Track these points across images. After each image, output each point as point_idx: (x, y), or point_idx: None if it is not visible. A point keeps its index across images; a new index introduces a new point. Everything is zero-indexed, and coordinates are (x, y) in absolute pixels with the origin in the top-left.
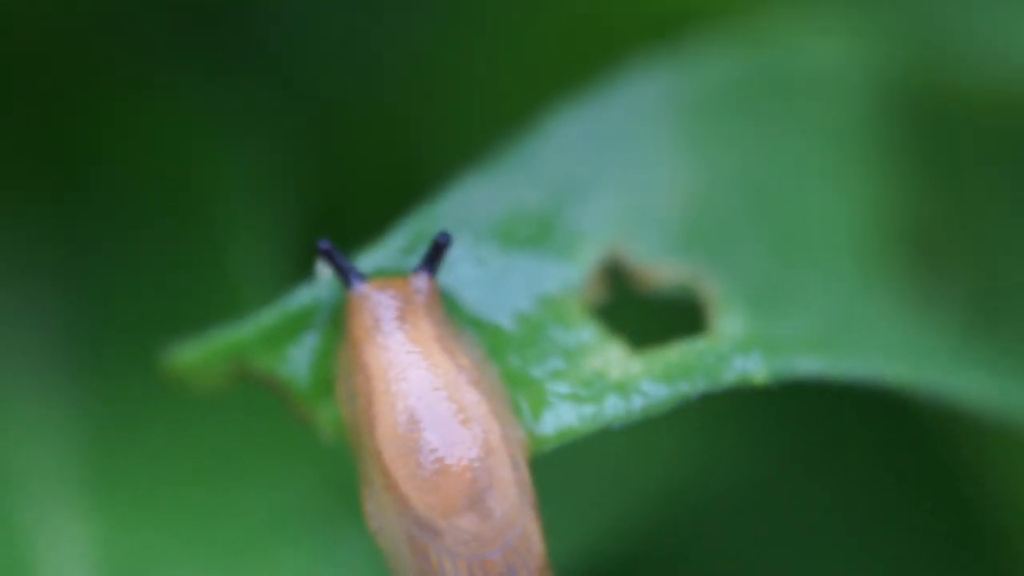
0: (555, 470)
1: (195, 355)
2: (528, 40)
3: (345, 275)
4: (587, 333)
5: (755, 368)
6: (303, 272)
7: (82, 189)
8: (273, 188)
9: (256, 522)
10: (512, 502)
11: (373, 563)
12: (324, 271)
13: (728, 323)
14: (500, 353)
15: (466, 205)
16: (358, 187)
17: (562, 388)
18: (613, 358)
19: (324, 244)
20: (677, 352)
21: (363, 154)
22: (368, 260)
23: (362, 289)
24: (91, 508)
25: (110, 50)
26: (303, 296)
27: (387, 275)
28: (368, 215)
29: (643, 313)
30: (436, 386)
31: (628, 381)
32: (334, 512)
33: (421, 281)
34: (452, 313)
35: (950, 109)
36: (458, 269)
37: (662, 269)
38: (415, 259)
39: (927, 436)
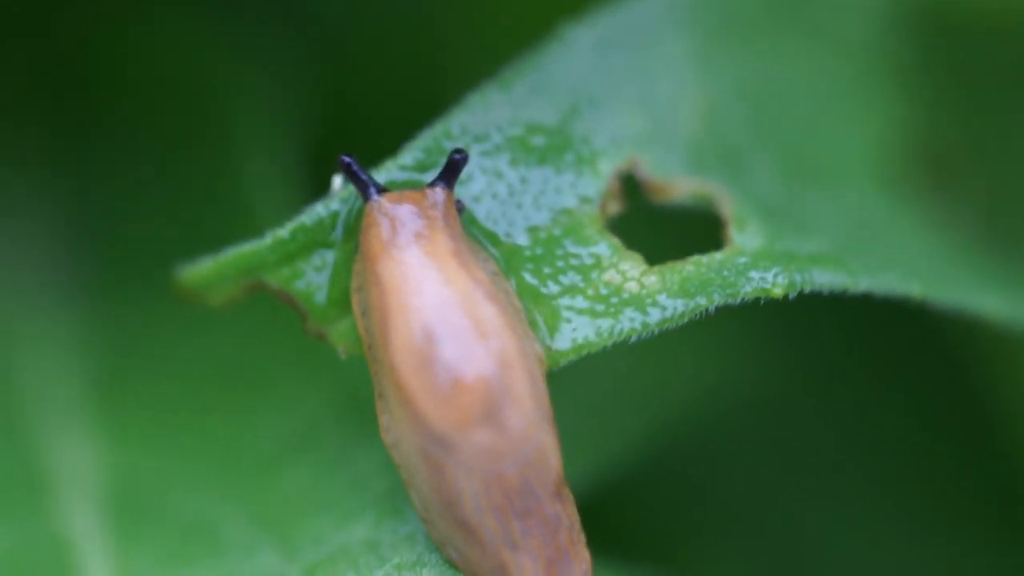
0: (571, 386)
1: (210, 270)
2: None
3: (364, 187)
4: (604, 247)
5: (773, 280)
6: (318, 191)
7: (94, 111)
8: (287, 109)
9: (269, 437)
10: (528, 416)
11: (388, 477)
12: (339, 185)
13: (745, 238)
14: (516, 268)
15: (481, 120)
16: (373, 107)
17: (579, 302)
18: (630, 272)
19: (345, 157)
20: (694, 265)
21: (378, 74)
22: (383, 175)
23: (379, 201)
24: (103, 426)
25: None
26: (319, 210)
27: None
28: (383, 134)
29: (659, 228)
30: (452, 301)
31: (645, 295)
32: (349, 426)
33: (438, 194)
34: (468, 227)
35: (962, 26)
36: (473, 184)
37: (678, 184)
38: (430, 175)
39: (942, 349)
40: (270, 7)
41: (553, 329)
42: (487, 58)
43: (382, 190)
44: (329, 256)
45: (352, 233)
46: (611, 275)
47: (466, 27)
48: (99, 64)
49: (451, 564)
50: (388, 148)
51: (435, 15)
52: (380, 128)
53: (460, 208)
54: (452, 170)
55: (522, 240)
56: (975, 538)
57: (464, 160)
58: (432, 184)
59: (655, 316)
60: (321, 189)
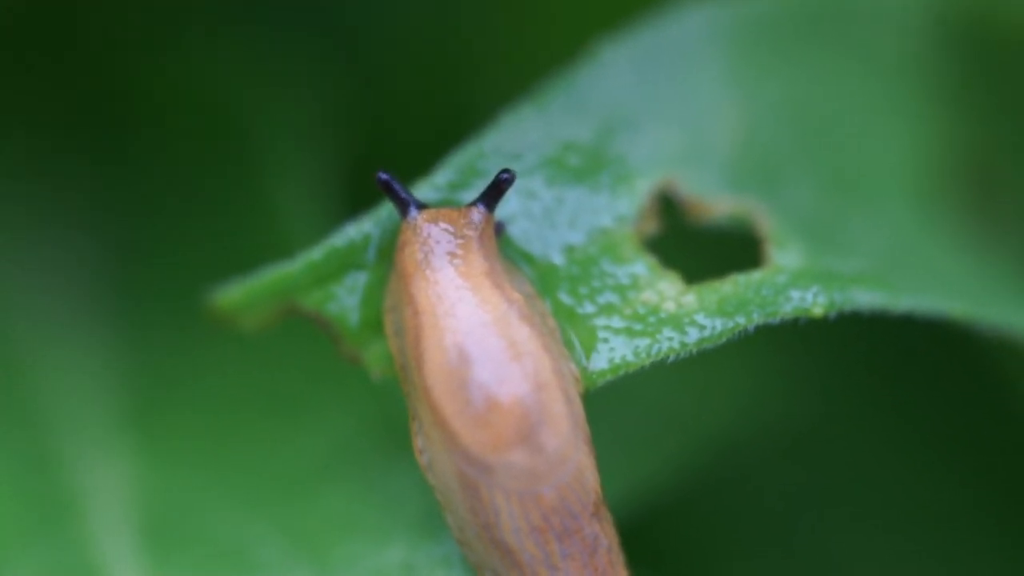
0: (608, 406)
1: (243, 294)
2: None
3: (404, 205)
4: (640, 267)
5: (813, 300)
6: (353, 213)
7: (125, 139)
8: (320, 132)
9: (303, 460)
10: (565, 437)
11: (423, 499)
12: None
13: (784, 256)
14: (551, 288)
15: (516, 139)
16: (407, 127)
17: (615, 322)
18: (667, 291)
19: (383, 175)
20: (732, 285)
21: (411, 94)
22: (416, 194)
23: (415, 220)
24: (135, 453)
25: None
26: (350, 232)
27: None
28: (415, 154)
29: (697, 247)
30: (485, 321)
31: (683, 314)
32: (383, 449)
33: (476, 214)
34: (503, 248)
35: (1006, 43)
36: (508, 203)
37: (716, 203)
38: (464, 194)
39: (980, 371)
40: (304, 33)
41: (589, 349)
42: (521, 75)
43: (421, 207)
44: (362, 278)
45: (385, 254)
46: (648, 295)
47: (499, 45)
48: (131, 91)
49: None
50: (422, 168)
51: (467, 34)
52: (414, 148)
53: (499, 229)
54: (496, 190)
55: (558, 260)
56: (1015, 564)
57: (511, 180)
58: (472, 203)
59: (693, 336)
60: (356, 210)
